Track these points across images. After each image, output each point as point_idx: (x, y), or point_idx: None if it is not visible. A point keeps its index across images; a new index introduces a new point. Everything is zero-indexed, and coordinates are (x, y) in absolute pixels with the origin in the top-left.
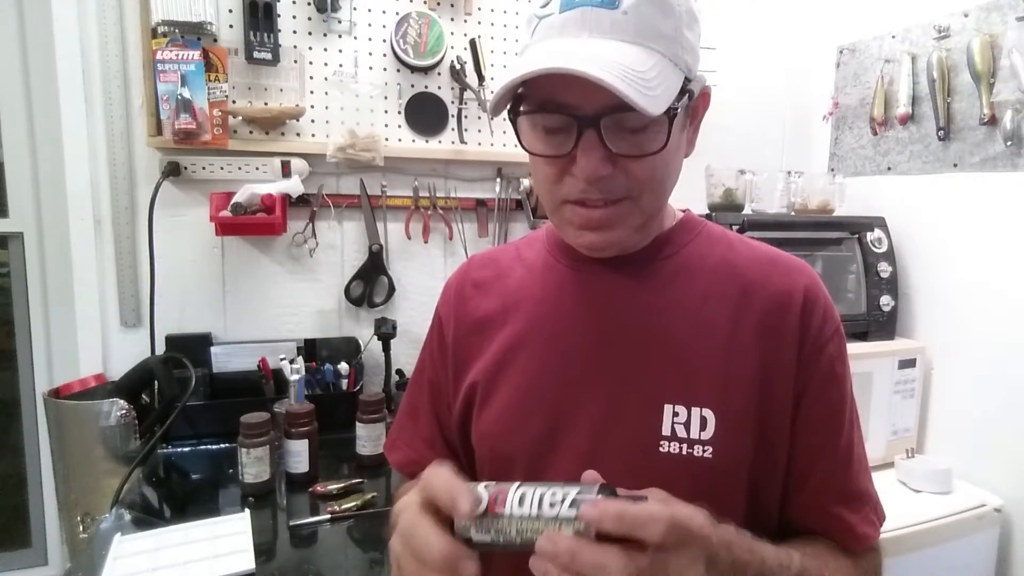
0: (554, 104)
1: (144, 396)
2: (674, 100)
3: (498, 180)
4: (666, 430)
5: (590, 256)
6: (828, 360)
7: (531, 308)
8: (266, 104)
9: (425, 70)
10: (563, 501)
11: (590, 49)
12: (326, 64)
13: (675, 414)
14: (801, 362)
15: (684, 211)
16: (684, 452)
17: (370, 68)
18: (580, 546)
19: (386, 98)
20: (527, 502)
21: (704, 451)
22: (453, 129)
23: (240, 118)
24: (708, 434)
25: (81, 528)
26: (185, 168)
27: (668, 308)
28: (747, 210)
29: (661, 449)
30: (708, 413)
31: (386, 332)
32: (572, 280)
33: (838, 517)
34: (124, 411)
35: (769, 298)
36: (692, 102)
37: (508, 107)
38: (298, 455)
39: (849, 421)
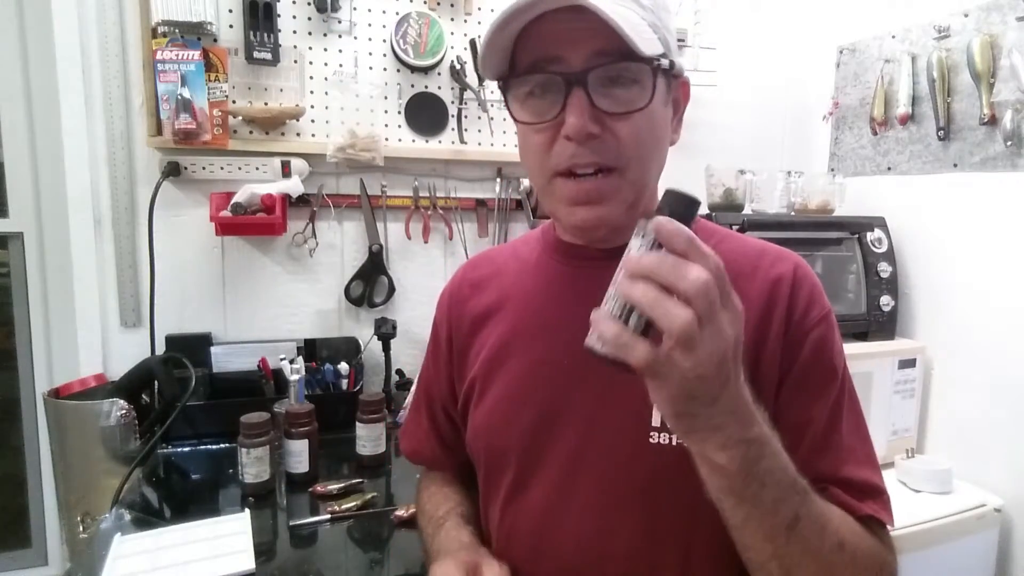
0: (543, 61)
1: (144, 396)
2: (657, 58)
3: (498, 180)
4: (656, 421)
5: (583, 240)
6: (812, 347)
7: (524, 303)
8: (266, 104)
9: (425, 70)
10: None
11: None
12: (326, 64)
13: None
14: (786, 346)
15: None
16: (674, 443)
17: (370, 68)
18: (663, 255)
19: (386, 98)
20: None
21: None
22: (453, 129)
23: (240, 118)
24: None
25: (81, 528)
26: (185, 168)
27: None
28: (747, 210)
29: (651, 440)
30: None
31: (386, 332)
32: (564, 274)
33: (819, 491)
34: (124, 411)
35: (759, 286)
36: (673, 89)
37: (498, 76)
38: (298, 455)
39: (833, 412)
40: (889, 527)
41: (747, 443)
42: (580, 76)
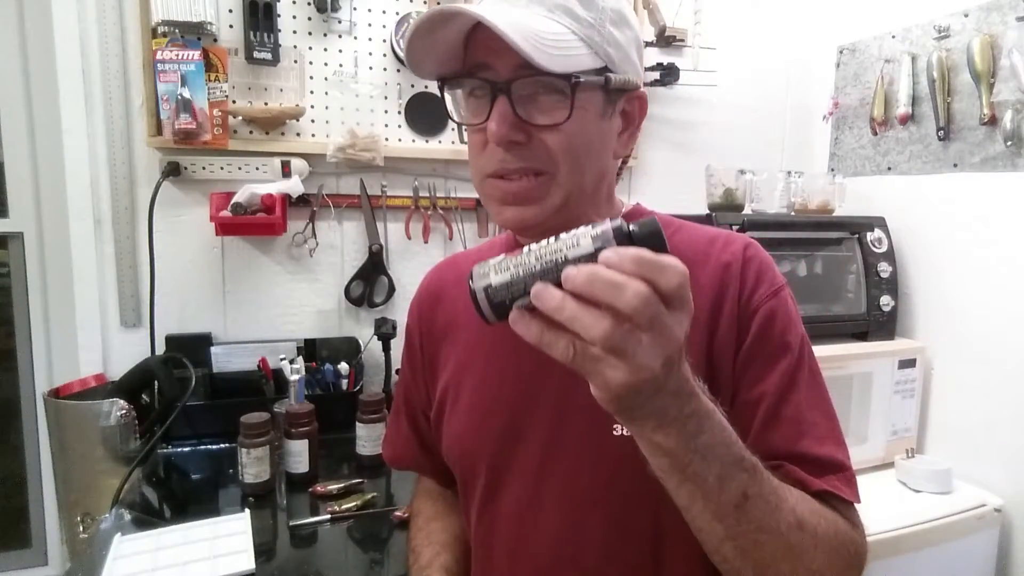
0: (475, 67)
1: (144, 396)
2: (580, 74)
3: None
4: None
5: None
6: (760, 322)
7: None
8: (266, 104)
9: None
10: (580, 229)
11: (498, 8)
12: (326, 64)
13: None
14: (738, 327)
15: (635, 205)
16: None
17: (370, 68)
18: (599, 269)
19: (386, 98)
20: (545, 240)
21: None
22: (453, 129)
23: (240, 118)
24: None
25: (81, 528)
26: (185, 168)
27: None
28: (747, 210)
29: (615, 432)
30: None
31: (386, 332)
32: None
33: (773, 468)
34: (124, 411)
35: (711, 272)
36: (620, 102)
37: (440, 76)
38: (298, 455)
39: (787, 385)
40: (855, 505)
41: (684, 419)
42: (504, 85)
